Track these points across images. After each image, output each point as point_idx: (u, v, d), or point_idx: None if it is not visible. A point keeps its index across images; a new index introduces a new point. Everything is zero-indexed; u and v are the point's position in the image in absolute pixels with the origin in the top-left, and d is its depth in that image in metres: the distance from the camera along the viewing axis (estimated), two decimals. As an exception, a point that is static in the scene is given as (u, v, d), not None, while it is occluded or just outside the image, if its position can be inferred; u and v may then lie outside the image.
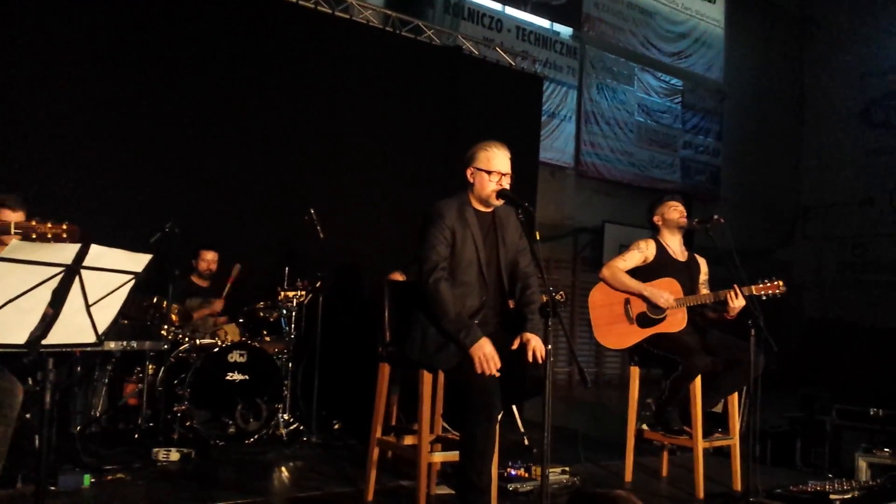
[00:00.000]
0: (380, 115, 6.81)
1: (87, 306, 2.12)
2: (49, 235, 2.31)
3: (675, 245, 4.58)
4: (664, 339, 4.29)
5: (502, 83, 7.75)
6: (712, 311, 4.44)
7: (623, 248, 10.63)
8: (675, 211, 4.56)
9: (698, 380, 4.20)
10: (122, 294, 2.22)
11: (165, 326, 4.94)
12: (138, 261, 2.21)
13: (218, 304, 5.57)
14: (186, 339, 5.10)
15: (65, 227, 2.32)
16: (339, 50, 6.65)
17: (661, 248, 4.55)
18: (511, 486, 4.02)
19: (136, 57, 5.64)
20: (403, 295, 3.87)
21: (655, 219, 4.61)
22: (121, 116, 5.57)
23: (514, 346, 3.35)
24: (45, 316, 2.02)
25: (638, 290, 4.36)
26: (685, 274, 4.47)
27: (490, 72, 7.72)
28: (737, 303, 4.16)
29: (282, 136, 6.25)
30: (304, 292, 5.45)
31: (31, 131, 5.16)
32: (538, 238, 3.25)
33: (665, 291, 4.32)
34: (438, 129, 7.19)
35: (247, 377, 5.01)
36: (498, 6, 10.60)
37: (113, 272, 2.15)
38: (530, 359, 3.30)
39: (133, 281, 2.23)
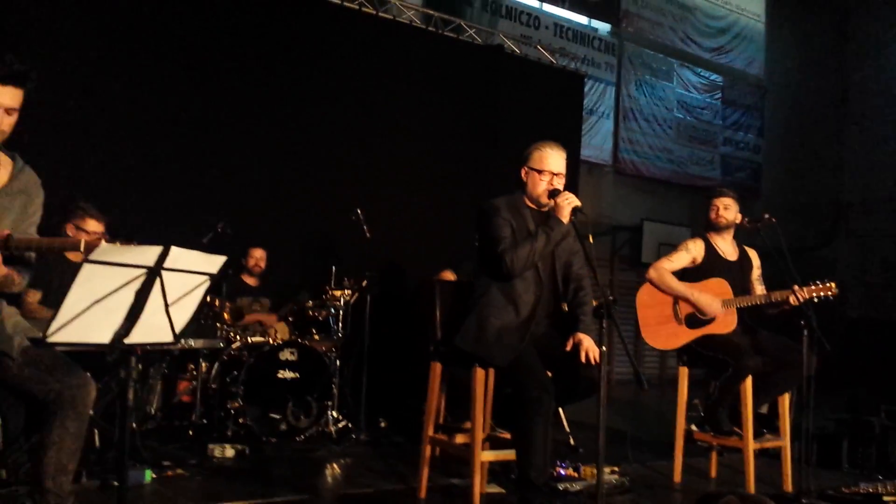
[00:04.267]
0: (423, 115, 6.87)
1: (166, 306, 2.19)
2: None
3: (725, 244, 4.53)
4: (714, 340, 4.27)
5: (543, 81, 7.78)
6: (771, 308, 4.39)
7: (662, 246, 10.71)
8: (726, 210, 4.49)
9: (749, 381, 4.18)
10: (199, 295, 2.29)
11: (218, 325, 5.04)
12: (214, 262, 2.27)
13: (272, 319, 5.66)
14: (238, 337, 5.20)
15: (133, 244, 2.37)
16: (383, 50, 6.72)
17: (710, 248, 4.50)
18: (561, 486, 4.04)
19: (186, 60, 5.77)
20: (454, 294, 3.91)
21: (712, 216, 4.52)
22: (172, 120, 5.70)
23: (568, 348, 3.37)
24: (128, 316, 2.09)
25: (684, 294, 4.33)
26: (736, 273, 4.43)
27: (531, 70, 7.75)
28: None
29: (328, 136, 6.35)
30: (350, 291, 5.51)
31: (85, 137, 5.28)
32: (591, 240, 3.27)
33: (710, 297, 4.28)
34: (480, 127, 7.23)
35: (297, 375, 5.09)
36: (535, 3, 10.61)
37: (190, 273, 2.22)
38: (583, 359, 3.32)
39: (209, 282, 2.30)
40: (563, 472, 4.20)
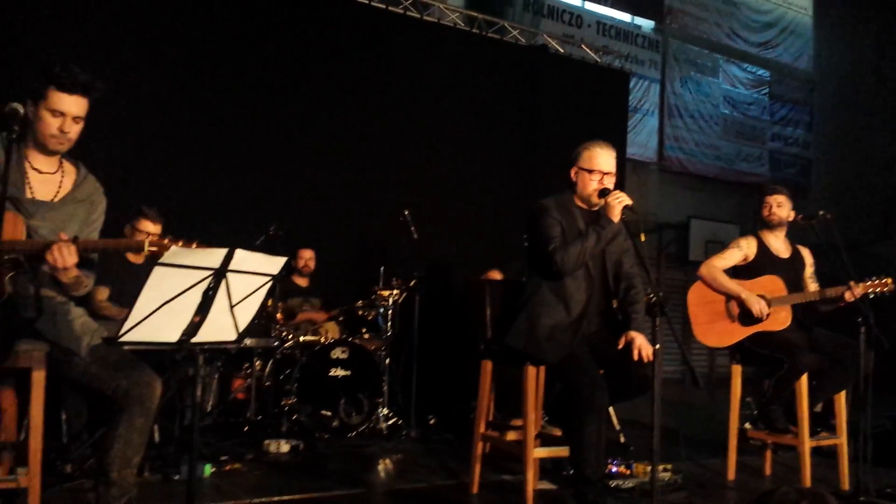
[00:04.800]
0: (468, 116, 6.92)
1: (231, 307, 2.27)
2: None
3: (777, 241, 4.48)
4: (768, 337, 4.23)
5: (587, 80, 7.77)
6: (824, 305, 4.34)
7: (710, 243, 10.60)
8: (779, 207, 4.44)
9: (804, 378, 4.13)
10: (261, 295, 2.37)
11: (271, 324, 5.15)
12: (275, 263, 2.35)
13: (322, 316, 5.76)
14: (290, 336, 5.30)
15: (194, 245, 2.46)
16: (427, 53, 6.79)
17: (762, 246, 4.46)
18: (613, 483, 4.04)
19: (239, 65, 5.91)
20: (504, 293, 3.95)
21: (764, 213, 4.47)
22: (226, 126, 5.85)
23: (620, 346, 3.38)
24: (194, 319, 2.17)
25: (735, 292, 4.29)
26: (789, 271, 4.38)
27: (575, 69, 7.74)
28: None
29: (376, 138, 6.44)
30: (399, 291, 5.58)
31: (139, 142, 5.43)
32: (642, 239, 3.28)
33: (758, 298, 4.23)
34: (525, 128, 7.26)
35: (349, 373, 5.18)
36: (578, 2, 10.58)
37: (253, 275, 2.30)
38: (636, 357, 3.32)
39: (271, 283, 2.37)
40: (615, 469, 4.19)
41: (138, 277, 4.42)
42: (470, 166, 6.84)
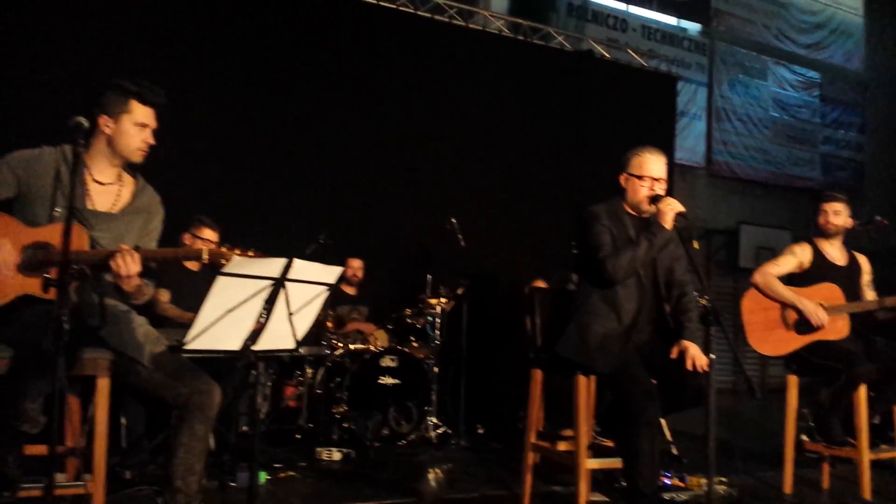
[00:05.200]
0: (514, 123, 6.93)
1: (290, 315, 2.30)
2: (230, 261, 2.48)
3: (833, 249, 4.38)
4: (825, 346, 4.13)
5: (634, 85, 7.71)
6: (883, 313, 4.23)
7: (761, 250, 10.41)
8: (836, 215, 4.33)
9: (863, 389, 4.03)
10: (318, 304, 2.40)
11: (322, 332, 5.21)
12: (332, 273, 2.38)
13: (371, 327, 5.80)
14: (340, 344, 5.34)
15: (251, 253, 2.50)
16: (473, 60, 6.82)
17: (818, 253, 4.36)
18: (667, 496, 3.98)
19: (287, 76, 6.00)
20: (554, 301, 3.93)
21: (821, 221, 4.37)
22: (276, 137, 5.94)
23: (673, 356, 3.33)
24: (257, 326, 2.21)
25: (791, 301, 4.20)
26: (846, 278, 4.28)
27: (621, 74, 7.70)
28: None
29: (423, 147, 6.48)
30: (446, 300, 5.60)
31: (192, 152, 5.52)
32: (695, 246, 3.23)
33: (816, 305, 4.14)
34: (571, 134, 7.24)
35: (398, 381, 5.20)
36: (622, 6, 10.51)
37: (311, 284, 2.33)
38: (689, 367, 3.27)
39: (327, 292, 2.40)
40: (668, 482, 4.14)
41: (195, 282, 4.55)
42: (516, 174, 6.84)
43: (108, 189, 2.84)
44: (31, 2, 5.17)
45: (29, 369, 2.45)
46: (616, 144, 6.72)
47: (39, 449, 2.92)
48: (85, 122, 2.41)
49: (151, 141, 2.84)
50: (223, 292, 2.13)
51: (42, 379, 2.46)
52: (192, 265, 4.65)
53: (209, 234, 4.54)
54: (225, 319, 2.17)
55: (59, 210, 2.71)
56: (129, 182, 2.93)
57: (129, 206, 2.89)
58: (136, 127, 2.79)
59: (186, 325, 4.09)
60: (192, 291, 4.43)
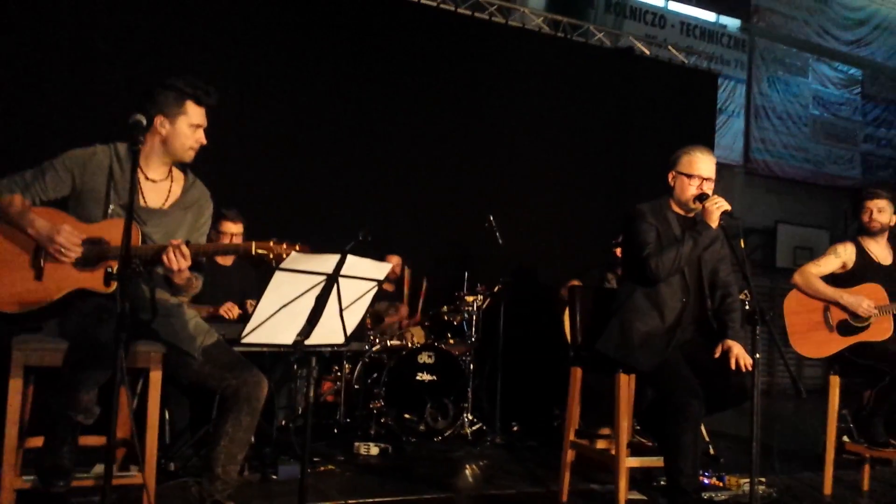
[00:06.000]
0: (553, 120, 6.92)
1: (341, 311, 2.34)
2: (283, 255, 2.51)
3: (878, 248, 4.32)
4: (869, 348, 4.09)
5: (674, 82, 7.66)
6: None
7: (798, 249, 10.28)
8: (880, 213, 4.28)
9: (908, 391, 3.98)
10: (368, 299, 2.44)
11: (360, 329, 5.25)
12: (382, 269, 2.42)
13: (403, 310, 5.84)
14: (377, 340, 5.39)
15: (297, 247, 2.54)
16: (512, 58, 6.82)
17: (861, 252, 4.31)
18: (706, 495, 3.97)
19: (325, 74, 6.05)
20: (594, 299, 3.93)
21: (864, 219, 4.32)
22: (312, 132, 5.99)
23: (717, 355, 3.32)
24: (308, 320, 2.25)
25: (833, 297, 4.16)
26: (891, 278, 4.23)
27: (661, 70, 7.66)
28: None
29: (462, 145, 6.51)
30: (483, 297, 5.61)
31: (232, 145, 5.59)
32: (742, 244, 3.22)
33: (859, 296, 4.11)
34: (610, 131, 7.21)
35: (435, 378, 5.24)
36: (661, 2, 10.42)
37: (362, 280, 2.37)
38: (733, 366, 3.27)
39: (377, 288, 2.44)
40: (706, 481, 4.13)
41: (226, 277, 4.58)
42: (555, 171, 6.84)
43: (159, 186, 2.91)
44: (85, 4, 5.27)
45: (85, 361, 2.51)
46: (656, 142, 6.76)
47: (92, 440, 3.01)
48: (144, 120, 2.47)
49: (203, 141, 2.90)
50: (279, 287, 2.17)
51: (98, 370, 2.52)
52: (224, 260, 4.68)
53: (234, 227, 4.47)
54: (280, 314, 2.21)
55: (112, 207, 2.78)
56: (179, 178, 2.99)
57: (180, 201, 2.95)
58: (190, 128, 2.85)
59: (211, 319, 4.18)
60: (223, 285, 4.48)
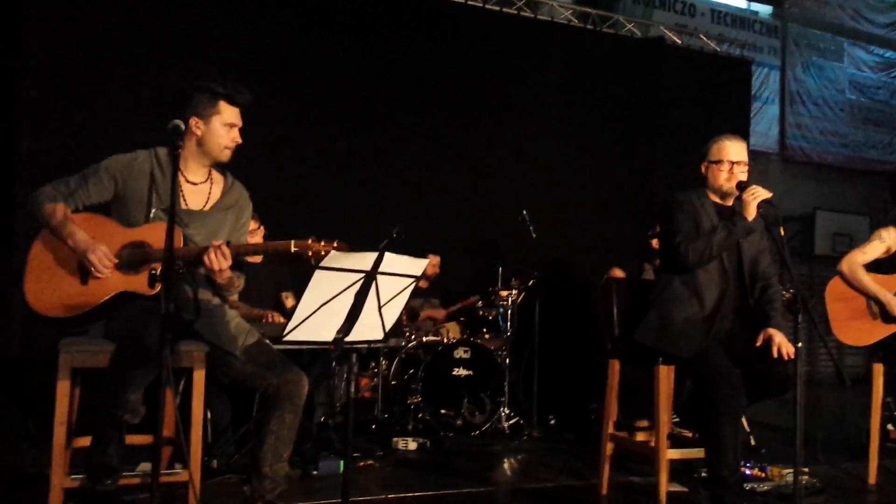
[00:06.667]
0: (585, 113, 6.90)
1: (379, 307, 2.37)
2: (322, 253, 2.54)
3: (923, 233, 4.24)
4: (914, 334, 4.02)
5: (706, 70, 7.58)
6: None
7: (837, 236, 10.10)
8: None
9: (955, 378, 3.90)
10: (406, 296, 2.46)
11: (396, 325, 5.28)
12: (419, 265, 2.44)
13: (441, 314, 5.86)
14: (413, 336, 5.41)
15: (335, 244, 2.57)
16: (542, 52, 6.82)
17: (904, 237, 4.23)
18: (748, 486, 3.94)
19: (357, 72, 6.09)
20: (631, 291, 3.91)
21: None
22: (344, 130, 6.03)
23: (758, 344, 3.29)
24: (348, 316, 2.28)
25: (875, 293, 4.09)
26: (934, 263, 4.15)
27: (693, 59, 7.59)
28: None
29: (494, 139, 6.52)
30: (517, 291, 5.61)
31: (263, 143, 5.63)
32: (782, 232, 3.19)
33: None
34: (643, 122, 7.17)
35: (471, 373, 5.25)
36: (690, -10, 10.30)
37: (400, 276, 2.39)
38: (775, 355, 3.23)
39: (414, 284, 2.46)
40: (748, 472, 4.09)
41: (259, 274, 4.62)
42: (588, 164, 6.81)
43: (199, 188, 2.95)
44: (122, 12, 5.36)
45: (132, 362, 2.57)
46: (690, 131, 6.69)
47: (139, 438, 3.08)
48: (182, 124, 2.51)
49: (238, 140, 2.94)
50: (319, 285, 2.20)
51: (144, 371, 2.57)
52: (253, 259, 4.72)
53: (252, 226, 4.54)
54: (320, 311, 2.24)
55: (154, 211, 2.83)
56: (218, 180, 3.04)
57: (220, 202, 3.00)
58: (224, 127, 2.89)
59: (254, 319, 4.24)
60: (255, 282, 4.53)
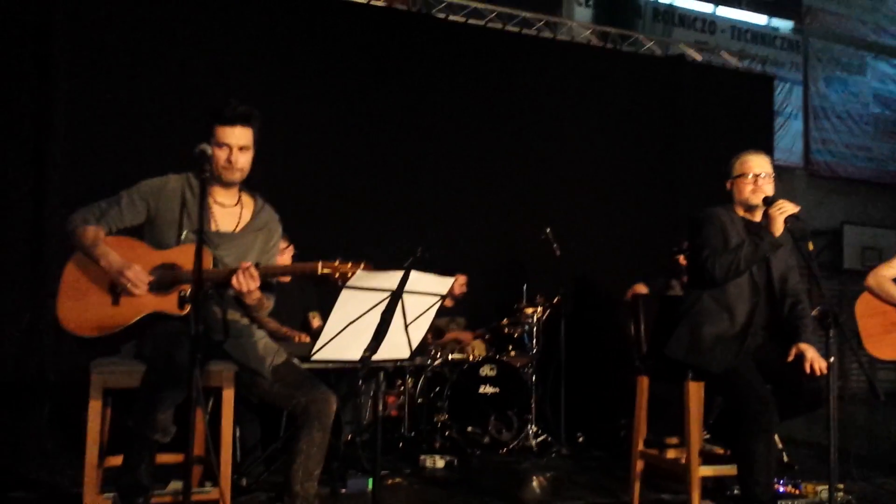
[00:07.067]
0: (607, 131, 6.90)
1: (406, 326, 2.38)
2: (349, 274, 2.55)
3: (952, 246, 4.19)
4: (948, 348, 3.96)
5: (728, 87, 7.56)
6: None
7: (867, 250, 9.98)
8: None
9: None
10: (432, 314, 2.47)
11: (422, 343, 5.29)
12: (445, 284, 2.45)
13: (469, 336, 5.86)
14: (439, 354, 5.42)
15: (362, 265, 2.59)
16: (563, 71, 6.85)
17: (935, 251, 4.19)
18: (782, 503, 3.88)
19: (383, 93, 6.16)
20: (658, 307, 3.89)
21: None
22: (369, 150, 6.08)
23: (790, 358, 3.26)
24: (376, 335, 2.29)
25: None
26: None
27: (714, 76, 7.57)
28: None
29: (517, 158, 6.55)
30: (542, 308, 5.60)
31: (292, 164, 5.69)
32: (811, 246, 3.17)
33: None
34: (665, 139, 7.15)
35: (497, 390, 5.24)
36: (709, 8, 10.30)
37: (425, 295, 2.40)
38: (807, 370, 3.20)
39: (440, 302, 2.47)
40: (782, 489, 4.03)
41: (288, 295, 4.66)
42: (611, 181, 6.81)
43: (230, 211, 2.99)
44: (150, 38, 5.46)
45: (162, 382, 2.60)
46: (713, 148, 6.67)
47: (169, 457, 3.10)
48: (209, 149, 2.54)
49: (234, 159, 2.90)
50: (346, 305, 2.22)
51: (174, 391, 2.60)
52: (283, 278, 4.76)
53: (282, 244, 4.57)
54: (347, 330, 2.26)
55: (185, 233, 2.87)
56: (248, 203, 3.08)
57: (250, 224, 3.04)
58: (217, 147, 2.89)
59: (283, 339, 4.29)
60: (284, 302, 4.56)
